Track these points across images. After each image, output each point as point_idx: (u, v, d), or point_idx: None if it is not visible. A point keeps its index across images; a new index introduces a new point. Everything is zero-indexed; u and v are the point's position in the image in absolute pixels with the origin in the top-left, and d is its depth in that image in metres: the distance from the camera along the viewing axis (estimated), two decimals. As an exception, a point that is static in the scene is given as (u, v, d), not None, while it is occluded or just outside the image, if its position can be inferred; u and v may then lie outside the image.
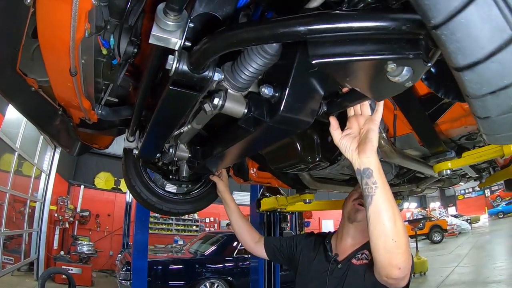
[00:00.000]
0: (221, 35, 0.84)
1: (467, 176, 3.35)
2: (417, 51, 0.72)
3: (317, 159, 1.74)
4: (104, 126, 2.12)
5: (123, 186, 13.28)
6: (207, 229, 15.43)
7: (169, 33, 0.86)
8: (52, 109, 1.64)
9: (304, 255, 1.89)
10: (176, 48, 0.89)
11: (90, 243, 10.41)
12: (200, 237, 9.95)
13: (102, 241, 12.36)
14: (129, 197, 11.41)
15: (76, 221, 11.71)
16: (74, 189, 12.46)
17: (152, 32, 0.86)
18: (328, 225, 18.80)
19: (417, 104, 1.64)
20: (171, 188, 2.55)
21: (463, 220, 22.25)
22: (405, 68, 0.76)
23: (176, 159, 1.79)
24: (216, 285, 7.54)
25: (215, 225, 16.19)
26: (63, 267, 8.66)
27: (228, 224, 15.83)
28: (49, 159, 10.24)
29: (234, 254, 8.10)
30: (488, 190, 26.30)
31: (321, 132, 1.66)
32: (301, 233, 2.14)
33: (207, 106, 1.10)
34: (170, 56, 0.90)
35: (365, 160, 1.14)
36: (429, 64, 0.73)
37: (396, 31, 0.69)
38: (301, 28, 0.71)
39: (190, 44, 0.91)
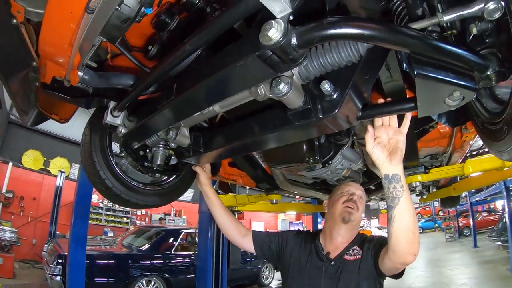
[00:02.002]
0: (346, 23, 0.78)
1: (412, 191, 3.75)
2: (476, 85, 0.89)
3: (317, 160, 1.83)
4: (76, 94, 1.82)
5: (52, 167, 12.02)
6: (138, 222, 14.65)
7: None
8: (28, 56, 1.33)
9: (295, 253, 1.90)
10: (281, 15, 0.76)
11: (13, 229, 9.04)
12: (133, 230, 9.36)
13: (25, 228, 10.78)
14: (60, 180, 10.33)
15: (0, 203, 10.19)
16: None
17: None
18: (258, 227, 19.44)
19: (412, 124, 1.79)
20: (137, 176, 2.28)
21: (385, 232, 24.32)
22: (460, 96, 0.90)
23: (172, 144, 1.58)
24: (152, 283, 7.10)
25: (147, 218, 15.42)
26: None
27: (160, 219, 15.33)
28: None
29: (172, 250, 7.76)
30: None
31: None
32: (289, 230, 2.15)
33: (260, 89, 0.97)
34: (274, 22, 0.75)
35: (395, 167, 1.29)
36: (475, 96, 0.91)
37: (474, 67, 0.86)
38: (413, 41, 0.80)
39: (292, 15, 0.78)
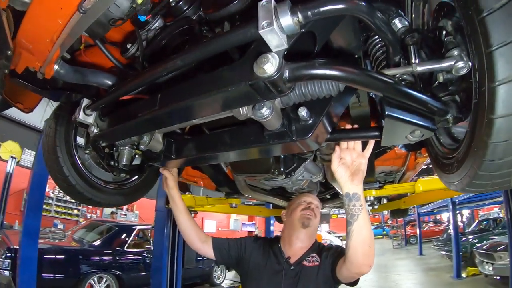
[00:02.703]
0: (333, 66, 0.86)
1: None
2: (435, 126, 1.02)
3: (281, 172, 1.89)
4: (46, 85, 1.77)
5: (3, 151, 11.11)
6: (88, 215, 14.01)
7: (279, 33, 0.78)
8: (3, 44, 1.24)
9: (255, 258, 1.97)
10: (276, 50, 0.81)
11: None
12: (84, 224, 8.93)
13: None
14: (10, 167, 9.61)
15: None
16: None
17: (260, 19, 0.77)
18: (210, 226, 19.35)
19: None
20: (99, 173, 2.21)
21: (335, 237, 25.17)
22: (420, 134, 1.04)
23: (142, 147, 1.56)
24: (104, 280, 6.83)
25: (98, 211, 14.74)
26: None
27: (112, 212, 14.70)
28: None
29: (125, 247, 7.50)
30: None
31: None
32: (247, 236, 2.22)
33: (242, 110, 1.02)
34: (270, 57, 0.80)
35: (356, 186, 1.41)
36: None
37: (435, 112, 0.99)
38: (387, 87, 0.90)
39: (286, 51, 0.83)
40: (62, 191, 2.05)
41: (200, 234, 2.00)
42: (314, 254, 1.88)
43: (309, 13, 0.77)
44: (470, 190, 1.01)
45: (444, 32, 0.97)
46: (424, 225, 21.69)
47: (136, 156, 1.86)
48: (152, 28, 1.42)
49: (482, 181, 0.90)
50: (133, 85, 1.24)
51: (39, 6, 1.08)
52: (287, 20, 0.76)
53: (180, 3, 1.32)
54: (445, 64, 0.85)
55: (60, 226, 11.66)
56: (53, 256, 6.27)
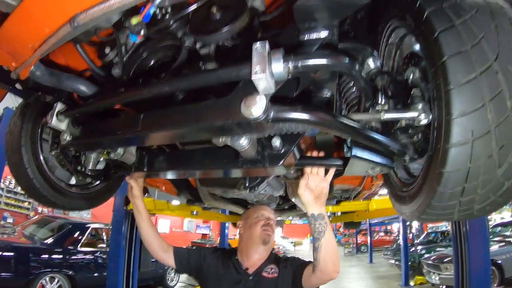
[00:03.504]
0: (313, 112, 0.94)
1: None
2: (393, 164, 1.17)
3: (246, 187, 1.93)
4: (15, 82, 1.73)
5: None
6: (40, 209, 13.19)
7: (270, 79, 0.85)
8: None
9: (213, 268, 2.04)
10: (264, 93, 0.87)
11: None
12: (36, 219, 8.47)
13: None
14: None
15: None
16: None
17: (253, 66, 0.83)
18: (164, 226, 19.25)
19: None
20: (62, 174, 2.13)
21: (288, 242, 25.60)
22: (379, 170, 1.18)
23: (117, 159, 1.54)
24: (56, 280, 6.48)
25: (49, 205, 13.97)
26: None
27: (67, 209, 14.02)
28: None
29: (79, 246, 7.19)
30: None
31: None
32: (207, 247, 2.28)
33: (222, 138, 1.09)
34: (258, 100, 0.87)
35: (319, 208, 1.56)
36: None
37: (395, 153, 1.11)
38: (357, 133, 1.02)
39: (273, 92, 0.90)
40: (24, 193, 1.96)
41: (162, 243, 2.03)
42: (273, 266, 1.99)
43: (299, 64, 0.85)
44: (417, 220, 1.15)
45: (411, 77, 1.07)
46: (375, 234, 22.62)
47: (102, 159, 1.78)
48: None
49: (429, 216, 1.01)
50: (113, 101, 1.25)
51: (27, 11, 1.07)
52: (279, 67, 0.84)
53: (167, 16, 1.33)
54: (409, 115, 0.95)
55: (10, 220, 11.02)
56: (2, 253, 5.86)
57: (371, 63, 1.15)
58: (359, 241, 23.16)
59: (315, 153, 1.48)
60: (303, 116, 0.93)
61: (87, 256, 7.28)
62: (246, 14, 1.19)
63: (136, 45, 1.48)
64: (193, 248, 2.19)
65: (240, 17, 1.17)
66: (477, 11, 0.81)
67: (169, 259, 2.04)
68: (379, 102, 1.09)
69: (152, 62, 1.49)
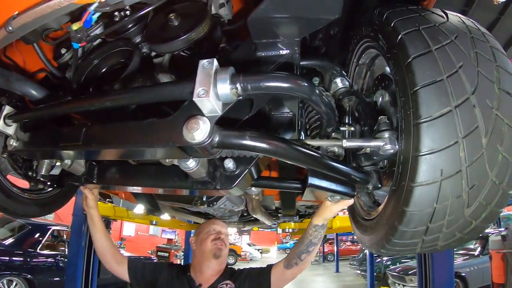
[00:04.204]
0: (264, 139, 0.84)
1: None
2: (354, 192, 1.09)
3: (203, 203, 1.97)
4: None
5: None
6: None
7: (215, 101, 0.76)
8: None
9: (168, 283, 1.98)
10: (209, 115, 0.78)
11: None
12: (-5, 219, 7.92)
13: None
14: None
15: None
16: None
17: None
18: (129, 229, 18.83)
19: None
20: None
21: (255, 249, 25.56)
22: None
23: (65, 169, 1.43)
24: (14, 283, 6.04)
25: (9, 203, 13.26)
26: None
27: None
28: None
29: (38, 248, 6.74)
30: (280, 229, 32.09)
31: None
32: (162, 261, 2.22)
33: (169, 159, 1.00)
34: (202, 123, 0.76)
35: (327, 220, 1.62)
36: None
37: (357, 181, 1.04)
38: (314, 162, 0.95)
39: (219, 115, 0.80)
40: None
41: (116, 254, 1.99)
42: (228, 281, 1.95)
43: (249, 86, 0.75)
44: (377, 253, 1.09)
45: (381, 100, 1.02)
46: (341, 243, 22.90)
47: (57, 164, 1.64)
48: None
49: (389, 251, 0.97)
50: (61, 110, 1.15)
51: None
52: (225, 89, 0.73)
53: (125, 20, 1.23)
54: (373, 144, 0.89)
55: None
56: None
57: (339, 83, 1.10)
58: (325, 250, 23.35)
59: (274, 174, 1.43)
60: (252, 143, 0.83)
61: (47, 259, 6.89)
62: (206, 23, 1.08)
63: (93, 47, 1.39)
64: (150, 262, 2.07)
65: (199, 26, 1.06)
66: (456, 37, 0.74)
67: (122, 271, 1.97)
68: (346, 122, 1.02)
69: (105, 68, 1.40)
